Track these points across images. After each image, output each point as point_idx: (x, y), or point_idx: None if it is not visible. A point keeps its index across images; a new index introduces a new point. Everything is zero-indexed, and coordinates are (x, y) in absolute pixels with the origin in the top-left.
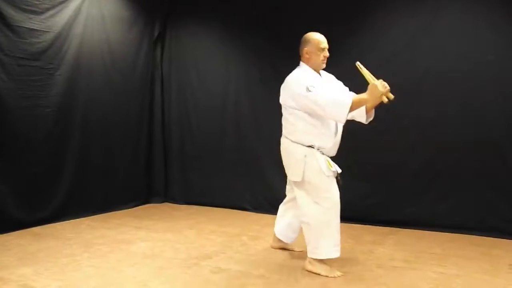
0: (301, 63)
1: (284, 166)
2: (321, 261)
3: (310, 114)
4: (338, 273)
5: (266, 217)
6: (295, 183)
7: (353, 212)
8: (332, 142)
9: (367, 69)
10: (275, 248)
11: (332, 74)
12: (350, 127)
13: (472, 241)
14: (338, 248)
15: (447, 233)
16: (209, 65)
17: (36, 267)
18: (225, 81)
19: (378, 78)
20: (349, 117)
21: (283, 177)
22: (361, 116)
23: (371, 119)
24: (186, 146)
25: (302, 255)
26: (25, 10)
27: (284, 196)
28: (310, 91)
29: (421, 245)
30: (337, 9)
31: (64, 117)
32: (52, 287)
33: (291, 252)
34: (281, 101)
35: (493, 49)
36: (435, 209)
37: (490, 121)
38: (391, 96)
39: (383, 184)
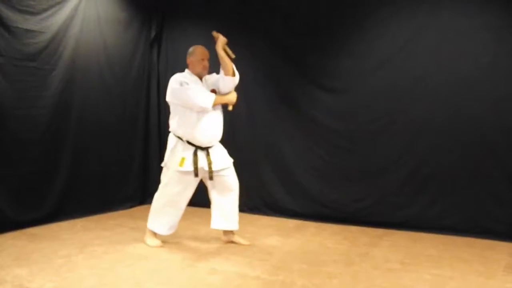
0: (186, 69)
1: None
2: (153, 234)
3: (184, 108)
4: (158, 243)
5: (262, 218)
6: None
7: (348, 214)
8: (195, 133)
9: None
10: (225, 242)
11: (328, 76)
12: (344, 128)
13: (466, 243)
14: (164, 228)
15: (441, 235)
16: None
17: (31, 268)
18: None
19: (375, 79)
20: (223, 87)
21: (279, 178)
22: (229, 80)
23: (237, 76)
24: None
25: (300, 258)
26: (21, 11)
27: (279, 196)
28: (182, 86)
29: (416, 247)
30: (334, 11)
31: (59, 118)
32: None
33: (288, 253)
34: (166, 98)
35: (488, 51)
36: (430, 211)
37: (485, 123)
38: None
39: (378, 186)
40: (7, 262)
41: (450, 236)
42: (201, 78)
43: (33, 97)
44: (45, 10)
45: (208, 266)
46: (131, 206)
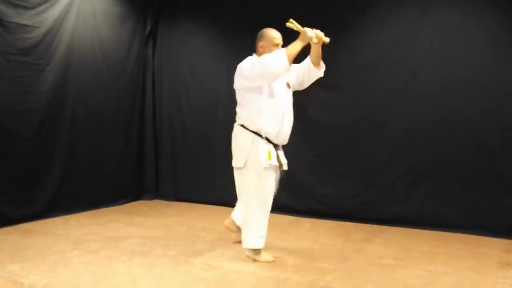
0: (254, 54)
1: (232, 152)
2: (259, 251)
3: (260, 94)
4: (271, 259)
5: None
6: (236, 168)
7: (342, 209)
8: (278, 128)
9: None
10: (227, 228)
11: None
12: (338, 124)
13: (459, 239)
14: (263, 240)
15: (435, 231)
16: (201, 61)
17: (25, 264)
18: (217, 77)
19: (370, 75)
20: (307, 80)
21: None
22: (314, 72)
23: (323, 69)
24: (177, 143)
25: (294, 254)
26: (15, 5)
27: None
28: (253, 63)
29: (410, 243)
30: (327, 10)
31: (53, 113)
32: (41, 284)
33: (282, 249)
34: (234, 86)
35: (482, 50)
36: (423, 208)
37: (478, 121)
38: (326, 39)
39: (372, 182)
40: (0, 258)
41: (443, 233)
42: None
43: (27, 92)
44: (39, 4)
45: (203, 262)
46: (125, 202)
